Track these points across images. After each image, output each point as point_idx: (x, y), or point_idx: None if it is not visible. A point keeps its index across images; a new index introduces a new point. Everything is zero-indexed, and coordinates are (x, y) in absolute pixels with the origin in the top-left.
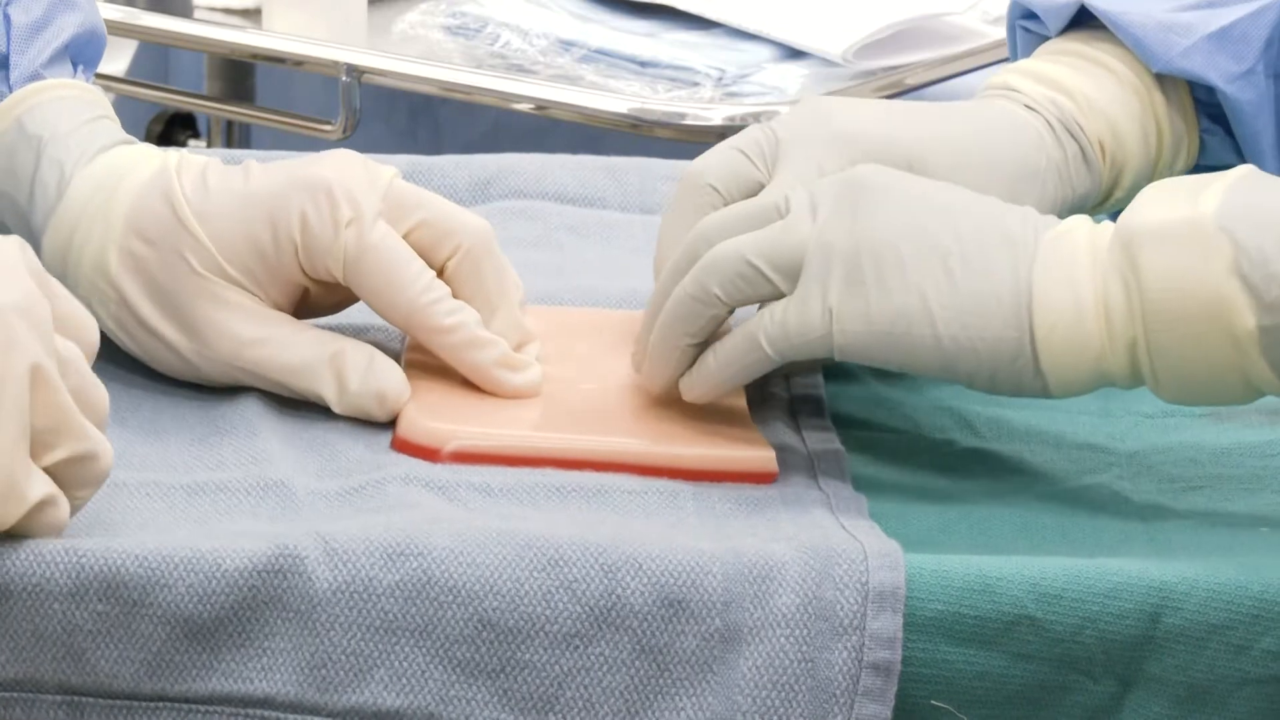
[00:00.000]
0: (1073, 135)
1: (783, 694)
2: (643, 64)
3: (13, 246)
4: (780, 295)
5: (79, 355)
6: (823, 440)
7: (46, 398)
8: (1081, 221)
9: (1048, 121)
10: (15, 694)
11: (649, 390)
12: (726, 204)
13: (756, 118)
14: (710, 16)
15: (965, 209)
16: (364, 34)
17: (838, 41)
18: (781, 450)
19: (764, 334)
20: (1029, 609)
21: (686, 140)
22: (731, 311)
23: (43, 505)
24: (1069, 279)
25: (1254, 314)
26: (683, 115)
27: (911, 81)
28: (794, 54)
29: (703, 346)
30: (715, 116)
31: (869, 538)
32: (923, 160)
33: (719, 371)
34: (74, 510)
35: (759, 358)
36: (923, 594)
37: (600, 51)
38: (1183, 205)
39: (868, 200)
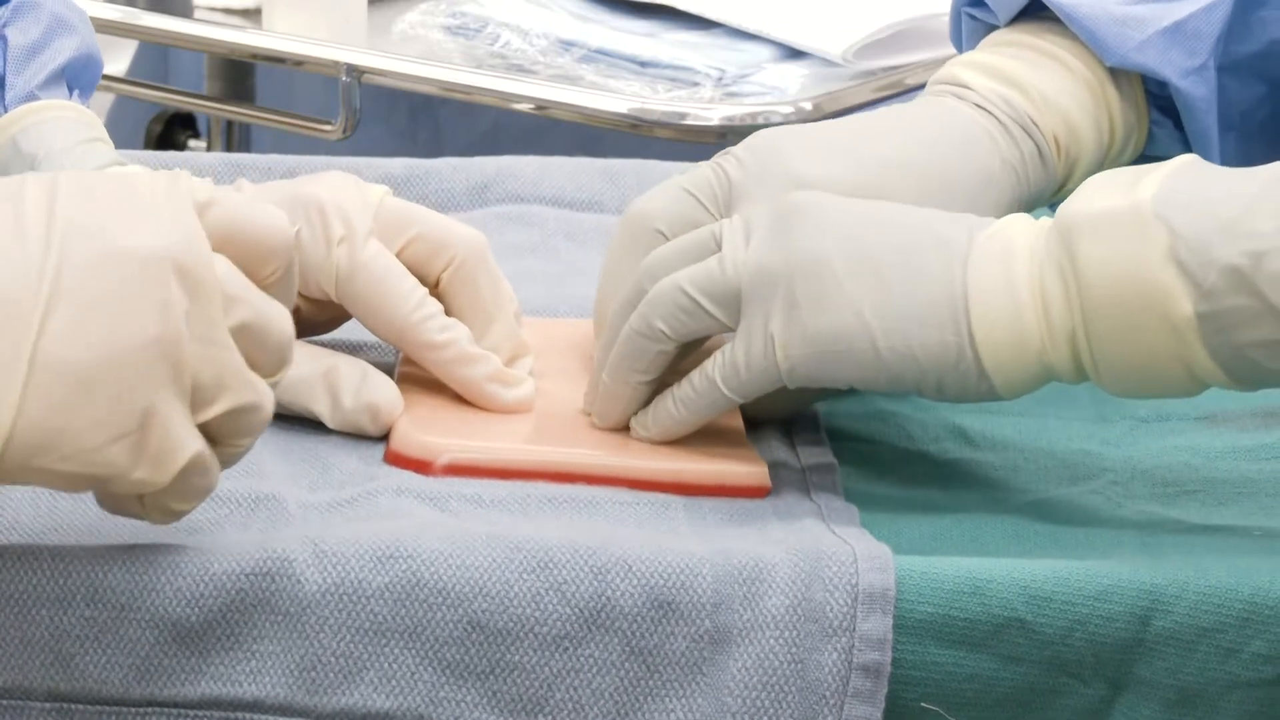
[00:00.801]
0: (1027, 133)
1: (772, 695)
2: (643, 64)
3: (174, 179)
4: (725, 327)
5: (247, 287)
6: (816, 454)
7: (204, 351)
8: (1017, 218)
9: (1000, 121)
10: (4, 702)
11: (601, 427)
12: None
13: (755, 118)
14: (710, 16)
15: (896, 219)
16: (364, 34)
17: (838, 41)
18: (774, 464)
19: (719, 374)
20: (1019, 611)
21: (686, 140)
22: (683, 349)
23: (194, 465)
24: (1005, 275)
25: (1191, 300)
26: (683, 115)
27: (911, 81)
28: (794, 54)
29: (654, 383)
30: (715, 116)
31: (859, 541)
32: (885, 198)
33: (677, 413)
34: (232, 461)
35: (716, 399)
36: (913, 596)
37: (600, 51)
38: (1120, 193)
39: (799, 222)
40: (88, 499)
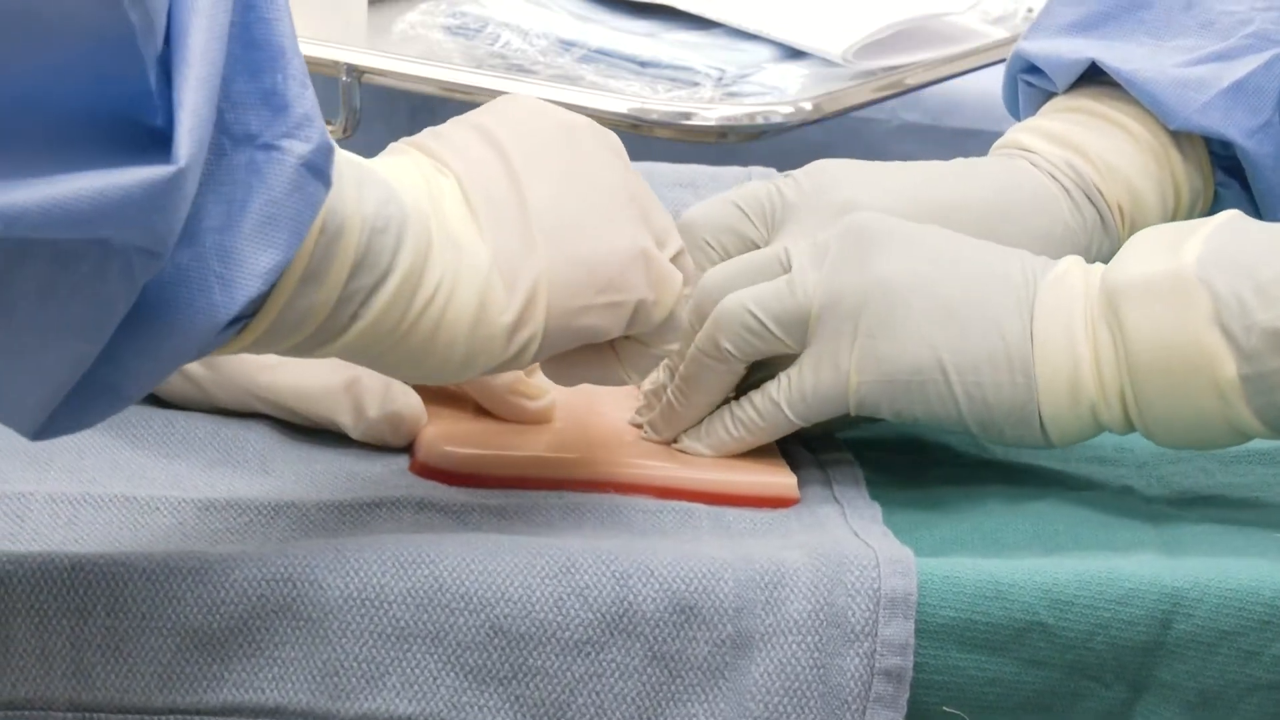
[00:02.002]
0: (1091, 200)
1: (794, 700)
2: (643, 64)
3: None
4: (790, 349)
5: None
6: (836, 456)
7: (647, 200)
8: (1075, 264)
9: (1064, 187)
10: (25, 714)
11: (656, 440)
12: (719, 259)
13: (755, 118)
14: (710, 16)
15: (965, 254)
16: (364, 34)
17: (838, 41)
18: (797, 468)
19: (784, 399)
20: (1040, 615)
21: (686, 140)
22: (749, 367)
23: (681, 293)
24: (1066, 327)
25: (1235, 363)
26: (683, 115)
27: (911, 81)
28: (794, 54)
29: (717, 401)
30: (715, 116)
31: (881, 544)
32: None
33: (735, 433)
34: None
35: (779, 422)
36: (934, 600)
37: (600, 51)
38: (1163, 257)
39: (871, 249)
40: (107, 506)
